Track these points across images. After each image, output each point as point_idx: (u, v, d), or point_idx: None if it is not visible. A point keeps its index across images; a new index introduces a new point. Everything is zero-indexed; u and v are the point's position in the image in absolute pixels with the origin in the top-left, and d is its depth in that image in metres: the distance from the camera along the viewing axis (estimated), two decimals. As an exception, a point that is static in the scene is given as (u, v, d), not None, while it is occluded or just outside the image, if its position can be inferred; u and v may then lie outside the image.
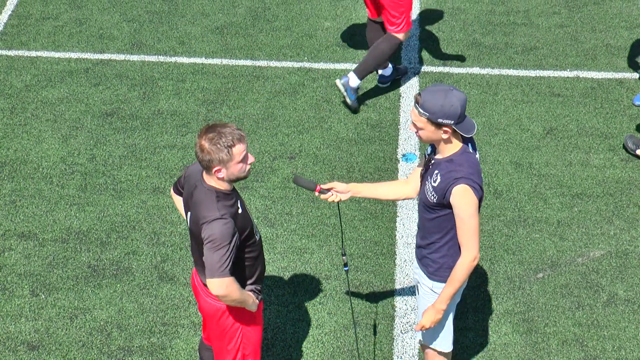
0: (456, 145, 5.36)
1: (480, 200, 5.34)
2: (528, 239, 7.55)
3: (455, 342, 6.73)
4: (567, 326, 6.92)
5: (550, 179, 8.05)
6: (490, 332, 6.88)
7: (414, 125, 5.33)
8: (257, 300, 5.57)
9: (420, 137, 5.36)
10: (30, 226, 7.61)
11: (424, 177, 5.52)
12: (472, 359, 6.71)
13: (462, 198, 5.28)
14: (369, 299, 7.10)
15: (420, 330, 5.76)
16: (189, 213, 5.42)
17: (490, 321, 6.95)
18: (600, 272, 7.30)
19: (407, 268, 7.26)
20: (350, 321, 6.93)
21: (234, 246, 5.21)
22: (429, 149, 5.58)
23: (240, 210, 5.31)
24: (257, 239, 5.51)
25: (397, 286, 7.16)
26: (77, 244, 7.47)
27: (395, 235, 7.55)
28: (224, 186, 5.28)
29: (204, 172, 5.29)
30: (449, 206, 5.37)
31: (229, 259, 5.19)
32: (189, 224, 5.42)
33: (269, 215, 7.70)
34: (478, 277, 7.23)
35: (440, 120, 5.21)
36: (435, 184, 5.36)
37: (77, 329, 6.88)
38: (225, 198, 5.26)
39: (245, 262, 5.43)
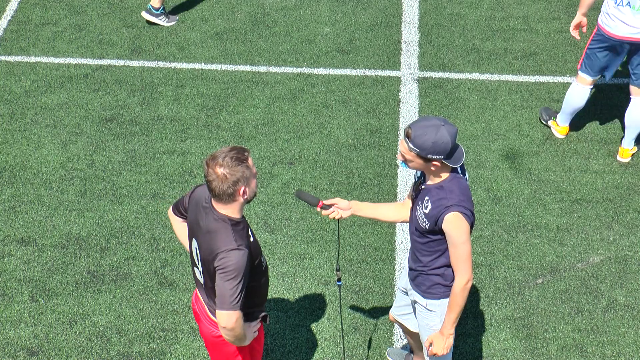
0: (445, 173, 5.36)
1: (471, 226, 5.35)
2: (527, 244, 7.54)
3: (455, 347, 6.73)
4: (566, 332, 6.92)
5: (550, 184, 8.05)
6: (489, 338, 6.88)
7: (403, 156, 5.33)
8: (254, 334, 5.48)
9: (407, 166, 5.36)
10: (30, 232, 7.61)
11: (414, 202, 5.52)
12: (472, 364, 6.72)
13: (455, 225, 5.28)
14: (368, 304, 7.10)
15: (433, 355, 5.79)
16: (194, 240, 5.29)
17: (489, 327, 6.95)
18: (600, 278, 7.30)
19: (402, 273, 7.25)
20: (350, 327, 6.93)
21: (247, 277, 5.11)
22: (418, 172, 5.57)
23: (251, 239, 5.22)
24: (265, 265, 5.42)
25: (396, 292, 7.15)
26: (77, 250, 7.47)
27: (395, 241, 7.55)
28: (237, 214, 5.14)
29: (217, 201, 5.12)
30: (441, 232, 5.37)
31: (242, 291, 5.08)
32: (197, 251, 5.28)
33: (268, 221, 7.70)
34: (477, 282, 7.23)
35: (430, 156, 5.21)
36: (426, 211, 5.36)
37: (76, 334, 6.88)
38: (239, 226, 5.14)
39: (252, 289, 5.31)
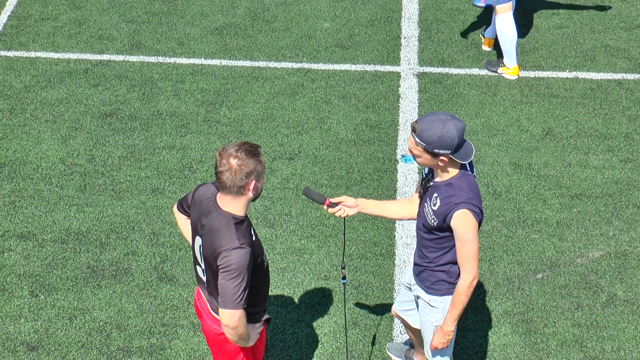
0: (454, 170, 5.35)
1: (479, 223, 5.34)
2: (527, 239, 7.55)
3: (455, 343, 6.74)
4: (566, 327, 6.92)
5: (550, 179, 8.05)
6: (489, 333, 6.88)
7: (411, 152, 5.33)
8: (257, 336, 5.48)
9: (416, 162, 5.36)
10: (30, 227, 7.61)
11: (422, 199, 5.52)
12: (472, 359, 6.71)
13: (463, 223, 5.28)
14: (368, 299, 7.10)
15: (433, 350, 5.80)
16: (197, 238, 5.27)
17: (489, 322, 6.95)
18: (600, 273, 7.30)
19: (407, 269, 7.25)
20: (350, 322, 6.93)
21: (249, 276, 5.09)
22: (426, 169, 5.57)
23: (254, 238, 5.21)
24: (266, 264, 5.40)
25: (397, 287, 7.16)
26: (77, 245, 7.47)
27: (395, 236, 7.55)
28: (241, 211, 5.12)
29: (225, 195, 5.09)
30: (449, 229, 5.37)
31: (245, 289, 5.06)
32: (201, 249, 5.25)
33: (268, 216, 7.70)
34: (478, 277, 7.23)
35: (436, 150, 5.21)
36: (435, 208, 5.35)
37: (76, 329, 6.88)
38: (242, 224, 5.11)
39: (254, 288, 5.28)
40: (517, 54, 8.96)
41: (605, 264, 7.37)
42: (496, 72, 9.07)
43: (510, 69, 9.01)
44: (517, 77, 9.00)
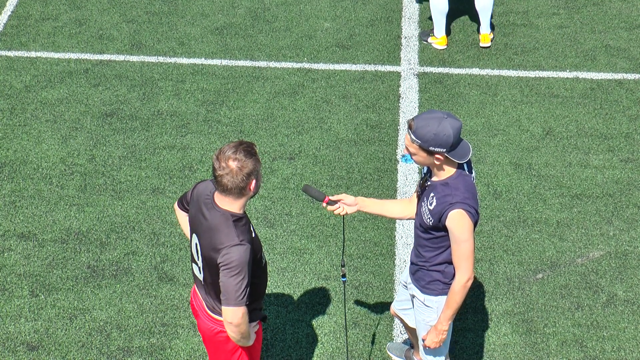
0: (451, 169, 5.35)
1: (475, 224, 5.34)
2: (527, 239, 7.55)
3: (455, 342, 6.74)
4: (566, 327, 6.93)
5: (550, 179, 8.05)
6: (489, 333, 6.88)
7: (407, 149, 5.34)
8: (254, 334, 5.47)
9: (413, 160, 5.36)
10: (30, 227, 7.61)
11: (420, 198, 5.53)
12: (472, 359, 6.72)
13: (458, 223, 5.28)
14: (368, 299, 7.10)
15: (427, 349, 5.81)
16: (195, 235, 5.27)
17: (489, 322, 6.95)
18: (600, 273, 7.30)
19: (405, 268, 7.25)
20: (350, 322, 6.93)
21: (250, 272, 5.09)
22: (425, 168, 5.57)
23: (253, 235, 5.20)
24: (264, 262, 5.40)
25: (396, 287, 7.16)
26: (77, 245, 7.47)
27: (395, 236, 7.55)
28: (240, 209, 5.12)
29: (225, 196, 5.09)
30: (444, 229, 5.37)
31: (246, 286, 5.06)
32: (198, 247, 5.26)
33: (268, 216, 7.70)
34: (477, 277, 7.24)
35: (432, 148, 5.21)
36: (431, 207, 5.36)
37: (76, 329, 6.89)
38: (241, 222, 5.11)
39: (252, 285, 5.26)
40: (445, 25, 9.30)
41: (606, 264, 7.37)
42: (426, 41, 9.42)
43: (438, 38, 9.37)
44: (445, 46, 9.36)
